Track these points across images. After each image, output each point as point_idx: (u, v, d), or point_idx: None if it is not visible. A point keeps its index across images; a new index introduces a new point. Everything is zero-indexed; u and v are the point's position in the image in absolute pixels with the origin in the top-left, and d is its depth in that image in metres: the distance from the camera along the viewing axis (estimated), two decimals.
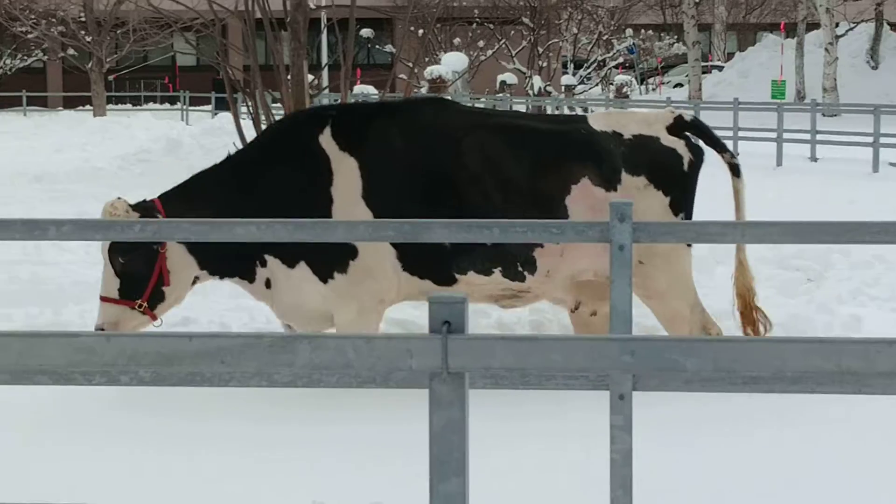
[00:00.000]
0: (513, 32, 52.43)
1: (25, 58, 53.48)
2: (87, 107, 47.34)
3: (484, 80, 49.15)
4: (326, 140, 8.46)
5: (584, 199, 8.45)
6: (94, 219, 5.51)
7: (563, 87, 49.22)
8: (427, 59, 45.50)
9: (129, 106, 51.59)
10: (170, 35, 42.08)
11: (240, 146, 22.79)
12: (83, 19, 45.25)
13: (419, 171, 8.47)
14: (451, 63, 42.25)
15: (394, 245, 8.22)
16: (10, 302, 10.42)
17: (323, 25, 36.34)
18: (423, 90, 41.24)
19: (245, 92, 23.69)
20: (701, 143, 8.96)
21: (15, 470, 6.61)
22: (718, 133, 9.42)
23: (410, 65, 31.54)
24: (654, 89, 61.18)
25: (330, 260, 8.28)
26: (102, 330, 8.04)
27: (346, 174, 8.36)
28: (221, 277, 8.62)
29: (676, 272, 8.63)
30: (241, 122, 23.13)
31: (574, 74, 54.77)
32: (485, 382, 4.85)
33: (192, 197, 8.46)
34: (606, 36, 58.36)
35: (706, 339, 3.43)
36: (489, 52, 50.89)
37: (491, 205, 8.32)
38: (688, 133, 8.86)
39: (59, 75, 56.62)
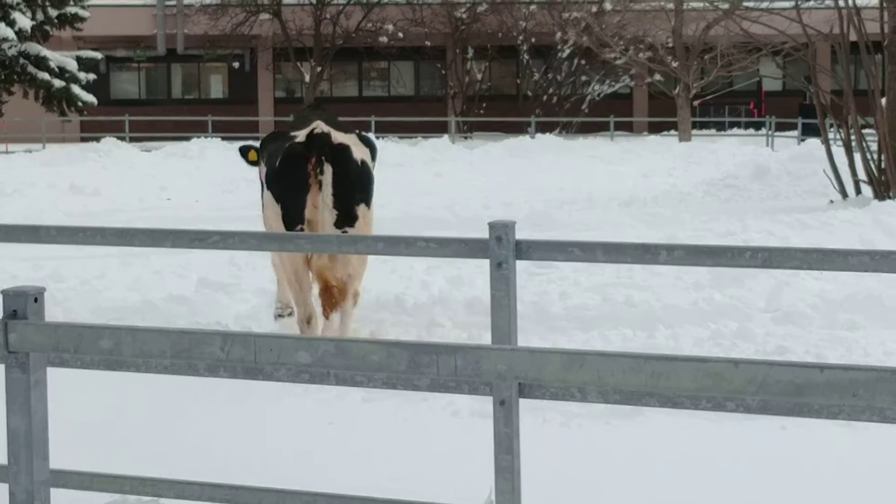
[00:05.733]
0: None
1: (613, 83, 54.95)
2: (672, 132, 47.95)
3: None
4: None
5: None
6: (707, 245, 5.51)
7: None
8: None
9: (713, 131, 51.90)
10: (757, 60, 42.07)
11: (830, 173, 22.43)
12: (671, 45, 46.01)
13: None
14: None
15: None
16: (606, 324, 10.74)
17: None
18: None
19: (836, 117, 23.21)
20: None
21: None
22: None
23: None
24: None
25: None
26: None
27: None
28: None
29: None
30: (832, 147, 22.65)
31: None
32: None
33: None
34: None
35: None
36: None
37: None
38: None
39: (645, 100, 57.82)
